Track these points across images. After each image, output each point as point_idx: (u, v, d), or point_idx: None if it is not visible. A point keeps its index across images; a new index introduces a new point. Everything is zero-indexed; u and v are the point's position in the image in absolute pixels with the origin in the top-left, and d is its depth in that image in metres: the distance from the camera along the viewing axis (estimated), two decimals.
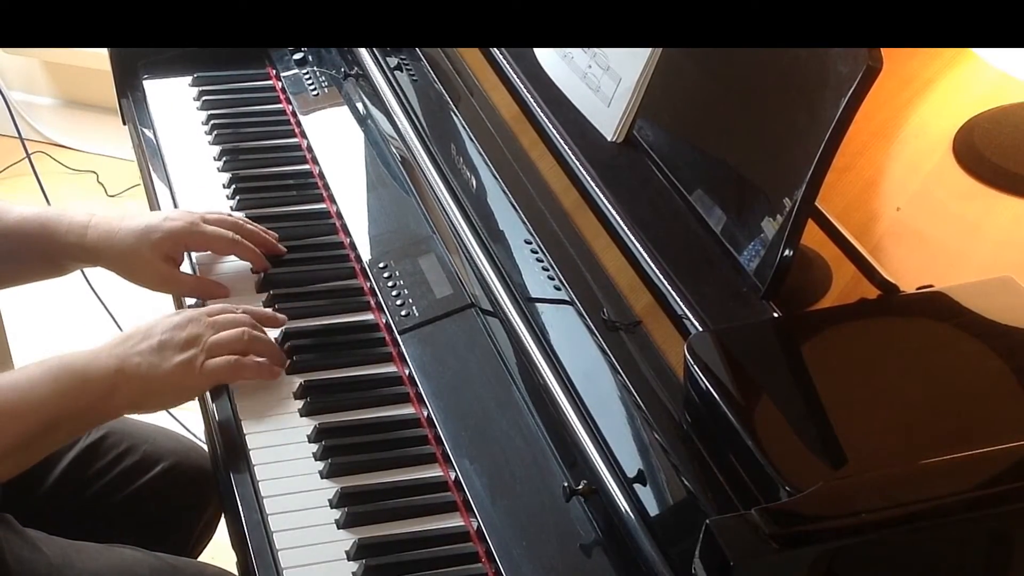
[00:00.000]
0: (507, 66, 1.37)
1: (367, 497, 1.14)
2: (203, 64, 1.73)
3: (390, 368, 1.28)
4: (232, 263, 1.41)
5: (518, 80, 1.35)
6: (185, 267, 1.40)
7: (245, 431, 1.21)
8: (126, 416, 1.51)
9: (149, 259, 1.34)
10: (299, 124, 1.63)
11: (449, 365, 1.23)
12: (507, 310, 1.20)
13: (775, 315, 1.02)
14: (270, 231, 1.42)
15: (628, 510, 0.99)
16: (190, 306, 1.37)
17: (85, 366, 1.16)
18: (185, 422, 2.23)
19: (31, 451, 1.15)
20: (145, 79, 1.72)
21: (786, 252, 1.01)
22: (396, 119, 1.47)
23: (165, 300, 1.43)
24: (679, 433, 0.99)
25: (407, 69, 1.50)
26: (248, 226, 1.40)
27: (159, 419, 2.14)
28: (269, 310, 1.32)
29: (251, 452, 1.19)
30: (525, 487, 1.10)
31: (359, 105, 1.57)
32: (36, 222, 1.36)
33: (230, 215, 1.42)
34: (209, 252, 1.40)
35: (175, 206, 1.51)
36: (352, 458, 1.18)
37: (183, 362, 1.19)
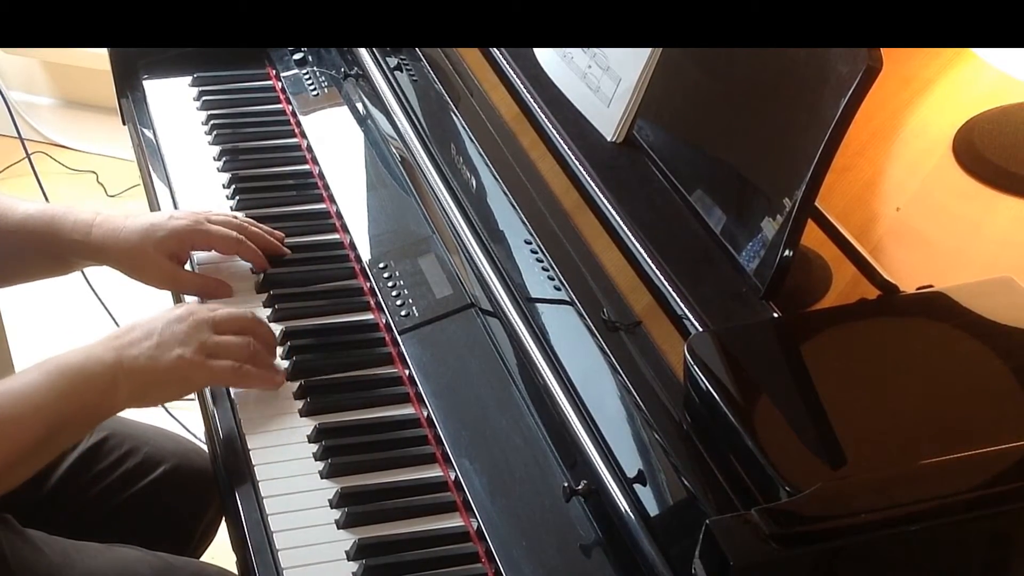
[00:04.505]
0: (507, 66, 1.37)
1: (367, 497, 1.14)
2: (203, 64, 1.73)
3: (390, 368, 1.28)
4: (232, 263, 1.41)
5: (518, 80, 1.35)
6: (186, 267, 1.40)
7: (245, 432, 1.21)
8: (127, 418, 1.51)
9: (153, 257, 1.34)
10: (299, 124, 1.63)
11: (449, 365, 1.23)
12: (507, 310, 1.20)
13: (775, 315, 1.02)
14: (275, 231, 1.42)
15: (628, 510, 0.99)
16: None
17: (83, 363, 1.16)
18: (186, 423, 2.24)
19: (38, 456, 1.15)
20: (145, 79, 1.72)
21: (786, 252, 1.01)
22: (396, 119, 1.47)
23: (165, 300, 1.43)
24: (679, 433, 0.99)
25: (407, 69, 1.50)
26: (252, 228, 1.40)
27: (160, 420, 2.14)
28: (271, 329, 1.30)
29: (251, 452, 1.19)
30: (525, 487, 1.10)
31: (359, 105, 1.57)
32: (42, 219, 1.36)
33: (235, 216, 1.42)
34: (212, 252, 1.40)
35: (175, 206, 1.51)
36: (352, 458, 1.18)
37: (183, 355, 1.18)
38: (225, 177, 1.55)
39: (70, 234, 1.35)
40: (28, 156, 2.54)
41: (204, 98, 1.68)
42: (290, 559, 1.09)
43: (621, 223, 1.15)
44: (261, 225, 1.42)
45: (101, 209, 1.38)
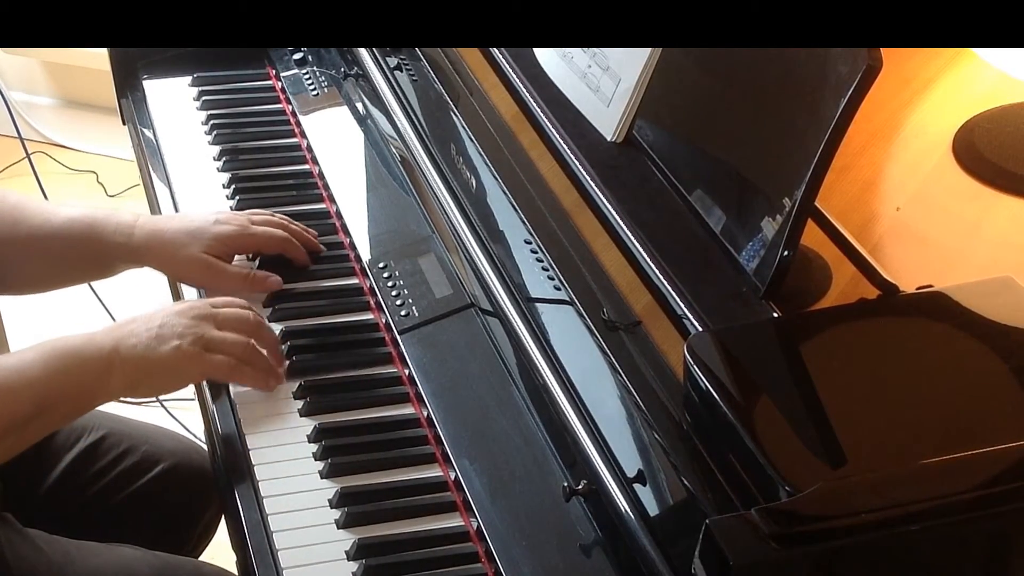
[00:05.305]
0: (507, 66, 1.37)
1: (367, 497, 1.14)
2: (203, 64, 1.73)
3: (390, 368, 1.28)
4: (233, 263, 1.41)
5: (518, 80, 1.35)
6: None
7: (245, 431, 1.21)
8: (126, 416, 1.51)
9: (198, 260, 1.34)
10: (299, 124, 1.63)
11: (449, 365, 1.23)
12: (507, 310, 1.20)
13: (775, 315, 1.02)
14: (309, 228, 1.42)
15: (628, 510, 0.99)
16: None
17: (81, 346, 1.16)
18: (185, 422, 2.24)
19: (25, 433, 1.14)
20: (145, 79, 1.72)
21: (786, 252, 1.01)
22: (396, 119, 1.47)
23: (165, 300, 1.43)
24: (679, 433, 0.99)
25: (407, 69, 1.50)
26: (293, 225, 1.40)
27: (159, 419, 2.14)
28: (273, 332, 1.30)
29: (251, 452, 1.19)
30: (525, 487, 1.10)
31: (359, 105, 1.57)
32: (83, 222, 1.35)
33: (273, 214, 1.41)
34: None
35: (175, 206, 1.51)
36: (352, 458, 1.18)
37: (180, 347, 1.18)
38: (225, 177, 1.55)
39: (112, 236, 1.34)
40: (28, 156, 2.54)
41: (204, 98, 1.68)
42: (290, 559, 1.09)
43: (621, 223, 1.15)
44: (298, 223, 1.42)
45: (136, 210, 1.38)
